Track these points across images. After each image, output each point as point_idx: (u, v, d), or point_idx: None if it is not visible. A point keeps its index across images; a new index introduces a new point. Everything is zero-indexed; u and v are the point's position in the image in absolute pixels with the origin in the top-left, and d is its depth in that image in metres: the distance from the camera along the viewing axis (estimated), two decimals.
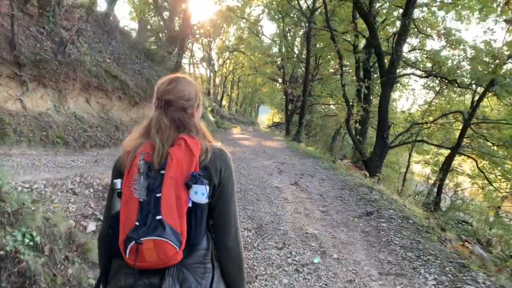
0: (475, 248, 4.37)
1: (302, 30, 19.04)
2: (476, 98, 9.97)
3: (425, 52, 11.66)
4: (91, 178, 4.46)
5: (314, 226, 4.29)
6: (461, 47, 9.45)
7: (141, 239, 1.00)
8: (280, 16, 16.72)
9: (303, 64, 17.76)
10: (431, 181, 13.26)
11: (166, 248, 1.01)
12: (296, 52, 21.18)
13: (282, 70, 21.43)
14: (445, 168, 11.42)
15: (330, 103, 20.15)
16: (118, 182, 1.16)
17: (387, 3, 9.15)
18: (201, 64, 40.16)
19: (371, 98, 11.98)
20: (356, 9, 8.42)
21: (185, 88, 1.29)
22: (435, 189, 11.68)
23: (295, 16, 16.14)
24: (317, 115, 20.31)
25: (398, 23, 10.99)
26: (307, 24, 13.60)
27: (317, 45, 16.27)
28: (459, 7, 9.14)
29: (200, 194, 1.11)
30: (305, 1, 14.70)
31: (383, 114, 8.53)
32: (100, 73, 8.78)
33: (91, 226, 3.27)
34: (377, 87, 12.25)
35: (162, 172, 1.08)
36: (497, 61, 8.49)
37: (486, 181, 12.08)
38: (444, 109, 11.24)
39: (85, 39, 9.17)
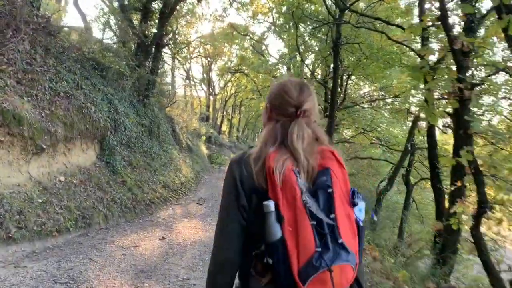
0: None
1: (318, 43, 14.76)
2: None
3: None
4: None
5: None
6: None
7: (331, 266, 0.92)
8: (293, 23, 12.50)
9: (322, 87, 13.44)
10: None
11: (349, 272, 0.97)
12: (307, 70, 16.97)
13: None
14: None
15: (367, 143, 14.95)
16: (271, 204, 1.00)
17: None
18: (200, 86, 36.57)
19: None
20: None
21: (314, 96, 1.24)
22: None
23: (312, 21, 11.89)
24: (343, 157, 15.45)
25: None
26: (334, 27, 9.36)
27: (346, 61, 11.84)
28: None
29: (363, 210, 1.07)
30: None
31: None
32: None
33: None
34: None
35: (329, 190, 1.00)
36: None
37: None
38: None
39: None
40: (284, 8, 15.42)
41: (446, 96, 3.57)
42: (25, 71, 6.13)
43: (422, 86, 11.31)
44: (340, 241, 0.94)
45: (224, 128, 40.37)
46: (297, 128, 1.11)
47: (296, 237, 0.95)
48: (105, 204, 6.44)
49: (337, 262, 0.92)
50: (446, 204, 7.84)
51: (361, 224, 1.04)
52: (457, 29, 6.03)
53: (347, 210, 1.01)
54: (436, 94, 5.71)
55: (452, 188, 6.04)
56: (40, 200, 5.25)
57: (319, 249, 0.92)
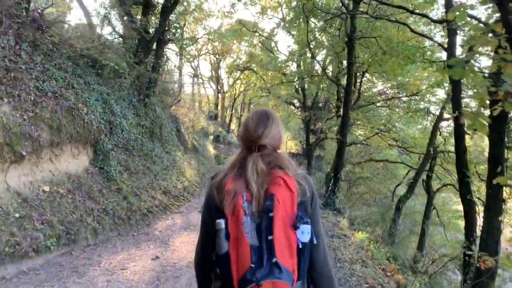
0: None
1: (329, 39, 13.95)
2: None
3: None
4: None
5: None
6: None
7: (261, 281, 1.00)
8: (303, 17, 11.71)
9: (334, 85, 12.63)
10: None
11: None
12: (317, 67, 16.17)
13: (302, 92, 16.21)
14: None
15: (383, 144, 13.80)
16: (222, 222, 1.14)
17: None
18: (208, 84, 35.97)
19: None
20: None
21: (276, 127, 1.30)
22: None
23: (324, 14, 11.08)
24: (355, 159, 14.27)
25: None
26: (348, 20, 8.55)
27: (360, 56, 11.01)
28: None
29: (306, 233, 1.13)
30: None
31: None
32: None
33: None
34: None
35: (270, 214, 1.08)
36: None
37: None
38: None
39: None
40: (294, 3, 14.68)
41: (500, 98, 2.82)
42: (7, 69, 5.53)
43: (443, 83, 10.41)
44: (274, 260, 1.03)
45: (233, 126, 39.73)
46: (252, 162, 1.21)
47: (237, 253, 1.07)
48: (95, 216, 5.82)
49: (269, 279, 1.00)
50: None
51: (300, 246, 1.10)
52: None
53: (288, 232, 1.09)
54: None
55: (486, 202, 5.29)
56: (17, 215, 4.64)
57: (253, 265, 1.02)
